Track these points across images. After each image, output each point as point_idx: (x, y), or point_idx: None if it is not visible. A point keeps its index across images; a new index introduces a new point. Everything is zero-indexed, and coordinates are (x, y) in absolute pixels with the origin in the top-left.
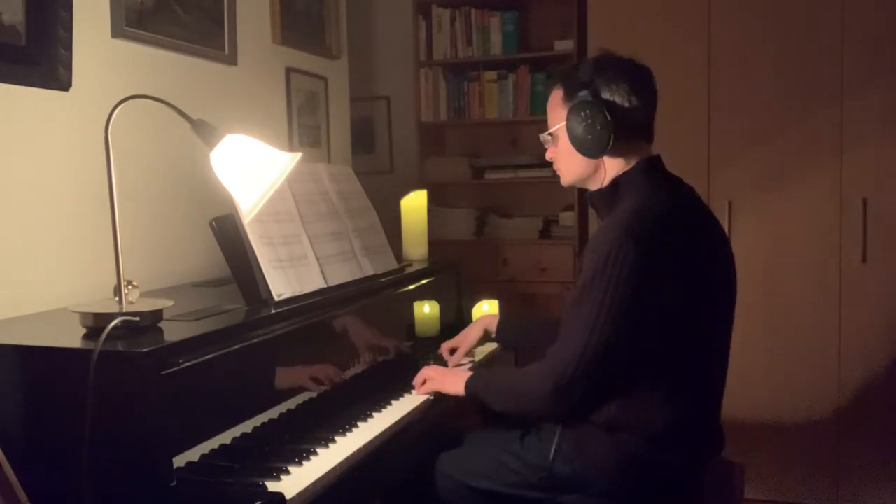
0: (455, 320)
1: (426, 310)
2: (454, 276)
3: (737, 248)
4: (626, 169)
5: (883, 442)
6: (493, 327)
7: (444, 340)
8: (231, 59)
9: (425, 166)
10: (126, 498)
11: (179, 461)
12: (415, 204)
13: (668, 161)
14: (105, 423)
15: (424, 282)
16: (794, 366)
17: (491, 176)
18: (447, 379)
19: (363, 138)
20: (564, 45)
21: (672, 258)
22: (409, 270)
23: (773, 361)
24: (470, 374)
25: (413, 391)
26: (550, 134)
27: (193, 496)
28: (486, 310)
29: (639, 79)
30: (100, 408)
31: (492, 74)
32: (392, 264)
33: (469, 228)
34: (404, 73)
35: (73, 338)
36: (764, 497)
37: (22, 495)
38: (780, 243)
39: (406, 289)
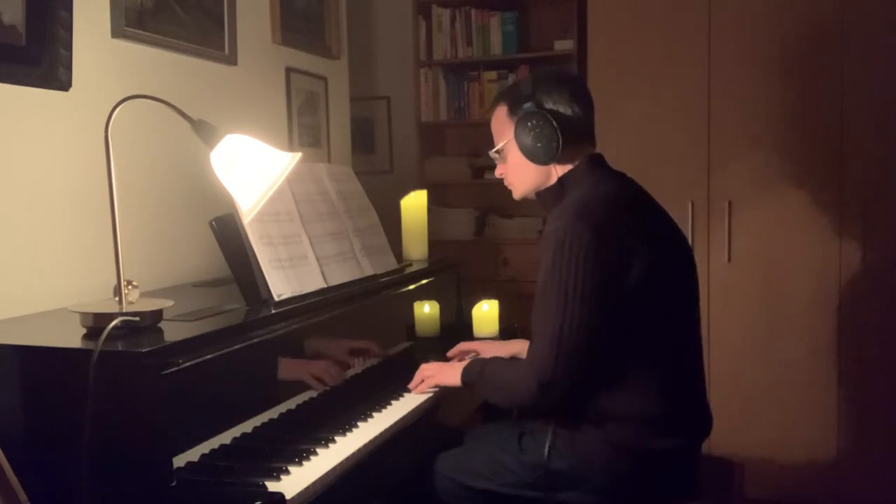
0: (455, 320)
1: (426, 310)
2: (454, 276)
3: (737, 248)
4: (572, 168)
5: (883, 442)
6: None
7: (443, 340)
8: (231, 59)
9: (425, 166)
10: (126, 498)
11: (179, 461)
12: (415, 204)
13: (668, 161)
14: (105, 423)
15: (424, 282)
16: (794, 365)
17: (491, 176)
18: (445, 372)
19: (363, 138)
20: (564, 45)
21: (624, 238)
22: (409, 270)
23: (773, 361)
24: (466, 363)
25: (413, 391)
26: (498, 151)
27: (193, 496)
28: (486, 310)
29: (575, 87)
30: (100, 408)
31: (492, 74)
32: (392, 264)
33: (469, 228)
34: (404, 73)
35: (73, 338)
36: (764, 497)
37: (22, 495)
38: (780, 243)
39: (406, 289)
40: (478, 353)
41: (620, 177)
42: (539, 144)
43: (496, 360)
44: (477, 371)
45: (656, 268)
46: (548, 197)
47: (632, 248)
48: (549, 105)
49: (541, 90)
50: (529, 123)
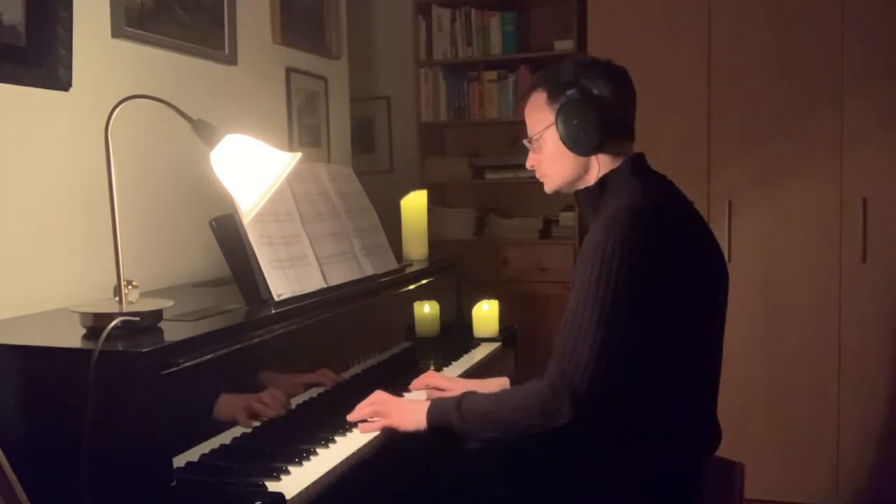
0: (455, 320)
1: (426, 310)
2: (454, 276)
3: (737, 248)
4: (614, 167)
5: (883, 442)
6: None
7: (444, 340)
8: (231, 59)
9: (425, 166)
10: (126, 498)
11: (179, 461)
12: (415, 204)
13: (668, 161)
14: (105, 423)
15: (424, 282)
16: (794, 366)
17: (491, 176)
18: (403, 413)
19: (363, 138)
20: (564, 45)
21: (672, 250)
22: (409, 270)
23: (773, 361)
24: (428, 402)
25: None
26: (531, 140)
27: (193, 496)
28: (486, 310)
29: (620, 78)
30: (100, 408)
31: (492, 74)
32: (392, 264)
33: (469, 228)
34: (404, 73)
35: (73, 338)
36: (764, 497)
37: (22, 495)
38: (780, 243)
39: (406, 289)
40: (444, 392)
41: (664, 181)
42: (583, 134)
43: (475, 394)
44: (452, 409)
45: (697, 286)
46: (587, 198)
47: (678, 264)
48: (595, 92)
49: (586, 76)
50: (574, 110)
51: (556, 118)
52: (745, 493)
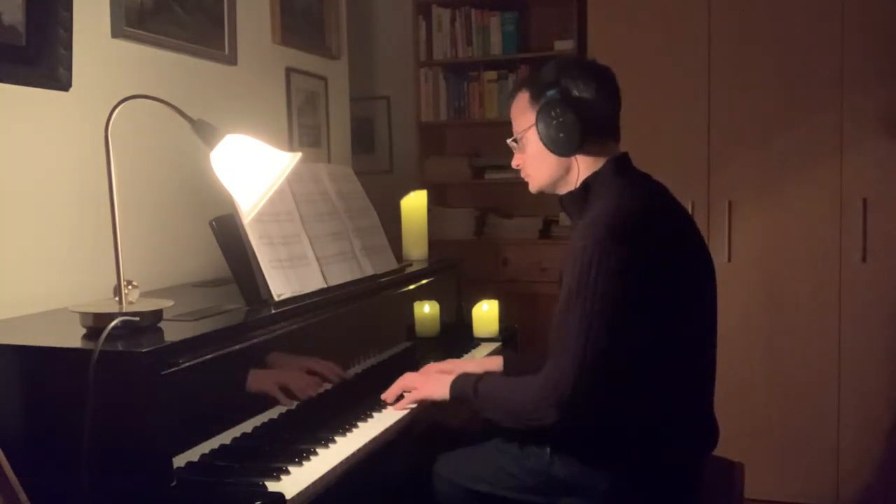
0: (455, 320)
1: (426, 310)
2: (454, 276)
3: (737, 248)
4: (596, 169)
5: (883, 442)
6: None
7: (444, 340)
8: (231, 59)
9: (425, 166)
10: (126, 498)
11: (179, 461)
12: (415, 204)
13: (667, 161)
14: (105, 423)
15: (424, 282)
16: (794, 366)
17: (491, 176)
18: (430, 385)
19: (363, 138)
20: (564, 45)
21: (655, 254)
22: (409, 270)
23: (773, 361)
24: (453, 375)
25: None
26: (516, 140)
27: (193, 496)
28: (486, 310)
29: (603, 77)
30: (100, 408)
31: (492, 74)
32: (392, 264)
33: (469, 228)
34: (404, 73)
35: (73, 338)
36: (764, 497)
37: (22, 495)
38: (780, 243)
39: (406, 289)
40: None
41: (649, 182)
42: (562, 134)
43: (492, 376)
44: (470, 386)
45: (683, 287)
46: (571, 203)
47: (661, 268)
48: (574, 92)
49: (567, 76)
50: (553, 111)
51: (537, 119)
52: (745, 493)
